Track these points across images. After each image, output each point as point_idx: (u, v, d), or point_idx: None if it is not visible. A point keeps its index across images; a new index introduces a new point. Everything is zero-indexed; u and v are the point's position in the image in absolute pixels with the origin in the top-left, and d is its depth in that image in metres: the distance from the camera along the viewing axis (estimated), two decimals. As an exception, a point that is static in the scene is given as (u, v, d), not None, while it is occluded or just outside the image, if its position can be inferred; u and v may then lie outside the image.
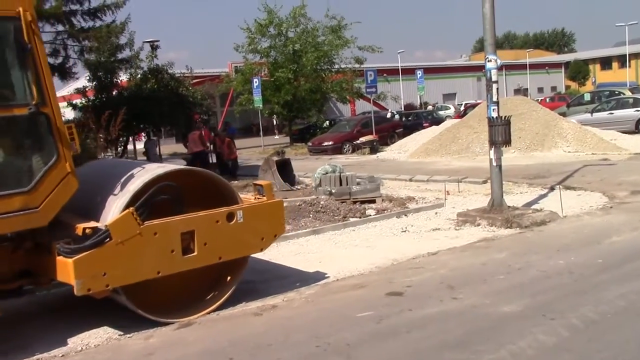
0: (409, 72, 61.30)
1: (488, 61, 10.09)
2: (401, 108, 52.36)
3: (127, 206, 5.87)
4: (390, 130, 30.05)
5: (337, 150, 27.89)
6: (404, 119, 34.48)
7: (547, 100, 47.62)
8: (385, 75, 61.16)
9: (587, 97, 30.43)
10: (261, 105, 32.82)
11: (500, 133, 9.90)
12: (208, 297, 6.69)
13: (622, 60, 66.50)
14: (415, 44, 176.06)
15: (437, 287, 6.65)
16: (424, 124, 31.39)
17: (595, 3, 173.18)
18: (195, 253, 6.23)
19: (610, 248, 7.84)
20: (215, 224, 6.34)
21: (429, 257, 8.16)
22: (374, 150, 26.74)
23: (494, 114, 10.08)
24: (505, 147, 10.17)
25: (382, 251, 8.69)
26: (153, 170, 6.35)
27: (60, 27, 26.43)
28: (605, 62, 75.07)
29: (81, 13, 25.61)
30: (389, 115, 37.08)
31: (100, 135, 15.68)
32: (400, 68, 58.79)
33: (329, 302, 6.49)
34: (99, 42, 25.45)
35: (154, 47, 27.47)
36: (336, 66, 34.75)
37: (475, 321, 5.54)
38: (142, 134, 25.88)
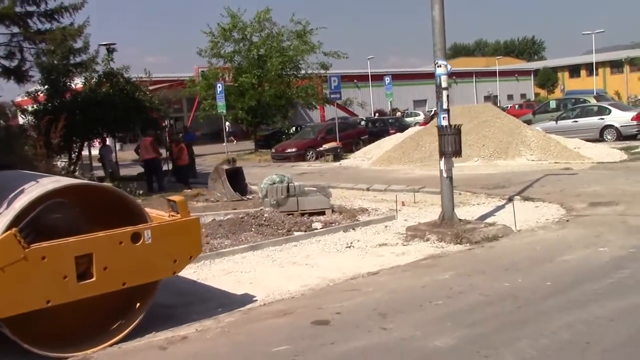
0: (379, 78, 61.09)
1: (438, 66, 9.53)
2: (371, 114, 51.96)
3: (9, 226, 5.14)
4: (355, 137, 29.50)
5: (301, 157, 27.27)
6: (370, 125, 33.90)
7: (516, 107, 47.58)
8: (355, 81, 61.05)
9: (553, 104, 30.24)
10: (224, 111, 32.04)
11: (450, 143, 9.34)
12: (113, 327, 5.97)
13: (590, 68, 66.96)
14: (389, 50, 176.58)
15: (368, 314, 6.01)
16: (390, 131, 30.87)
17: (565, 12, 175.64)
18: (93, 279, 5.51)
19: (561, 268, 7.29)
20: (118, 246, 5.62)
21: (368, 278, 7.52)
22: (337, 157, 26.17)
23: (444, 123, 9.51)
24: (456, 157, 9.59)
25: (320, 270, 8.04)
26: (45, 185, 5.62)
27: (15, 29, 25.53)
28: (574, 70, 75.68)
29: (37, 15, 24.70)
30: (362, 122, 36.59)
31: (40, 143, 14.80)
32: (370, 74, 58.38)
33: (246, 332, 5.81)
34: (54, 45, 24.59)
35: (110, 50, 26.56)
36: (302, 72, 34.11)
37: (402, 358, 4.91)
38: (97, 139, 24.89)
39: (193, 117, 42.38)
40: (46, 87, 23.16)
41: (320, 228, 10.56)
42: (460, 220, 9.80)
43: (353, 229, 10.51)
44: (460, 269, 7.56)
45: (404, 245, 9.23)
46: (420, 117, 48.31)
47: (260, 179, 20.38)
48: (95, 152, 26.53)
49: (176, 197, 6.23)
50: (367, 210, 12.36)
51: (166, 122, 45.91)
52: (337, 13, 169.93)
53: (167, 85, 42.07)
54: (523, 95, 71.68)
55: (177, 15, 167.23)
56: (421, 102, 65.85)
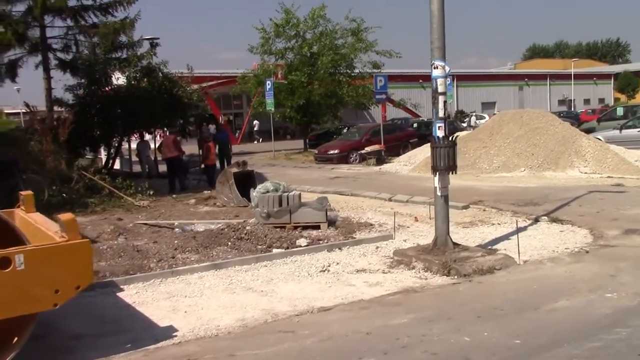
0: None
1: (434, 68, 8.25)
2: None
3: None
4: (403, 139, 28.11)
5: (343, 159, 26.16)
6: (422, 128, 32.32)
7: (588, 112, 44.73)
8: (421, 81, 59.24)
9: (620, 111, 27.83)
10: (273, 109, 31.35)
11: (442, 157, 8.05)
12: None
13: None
14: (466, 50, 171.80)
15: (278, 369, 4.91)
16: (443, 135, 29.21)
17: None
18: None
19: (546, 319, 5.93)
20: (-20, 272, 4.76)
21: (316, 315, 6.40)
22: (380, 161, 24.90)
23: (439, 133, 8.22)
24: (451, 174, 8.28)
25: (272, 300, 6.98)
26: None
27: (71, 22, 25.73)
28: (659, 75, 70.90)
29: (93, 8, 24.88)
30: (414, 124, 35.08)
31: (47, 138, 14.37)
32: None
33: (124, 384, 4.83)
34: (105, 38, 24.60)
35: (153, 44, 26.30)
36: (356, 70, 32.95)
37: None
38: (135, 135, 24.64)
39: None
40: (82, 80, 23.02)
41: (305, 245, 9.48)
42: (456, 245, 8.50)
43: (340, 248, 9.37)
44: (427, 311, 6.32)
45: (384, 273, 8.02)
46: (486, 120, 45.98)
47: (296, 182, 19.68)
48: (134, 146, 26.37)
49: (65, 216, 5.29)
50: (371, 225, 11.20)
51: (222, 119, 46.04)
52: (411, 11, 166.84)
53: (218, 83, 41.99)
54: (601, 100, 67.85)
55: (250, 9, 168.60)
56: (490, 104, 63.25)
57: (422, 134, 29.82)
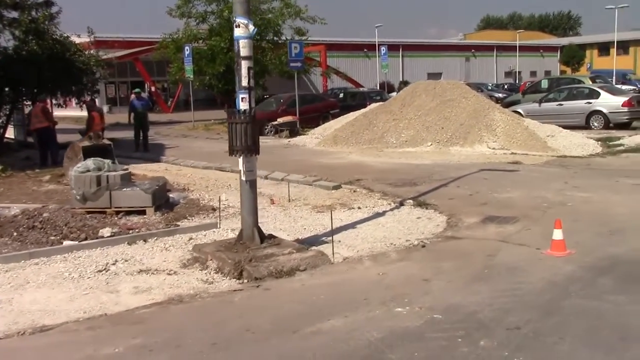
0: (393, 48, 57.83)
1: (236, 26, 6.79)
2: (376, 86, 48.68)
3: None
4: (323, 110, 26.68)
5: (257, 131, 24.58)
6: (348, 98, 30.92)
7: (528, 84, 43.86)
8: (365, 50, 57.81)
9: (545, 84, 26.83)
10: (192, 76, 29.60)
11: (239, 135, 6.63)
12: None
13: (621, 46, 62.26)
14: (431, 21, 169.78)
15: None
16: (368, 105, 27.91)
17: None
18: None
19: (294, 348, 4.64)
20: None
21: (22, 339, 5.01)
22: (293, 133, 23.50)
23: (243, 106, 6.79)
24: (252, 155, 6.87)
25: (-3, 313, 5.56)
26: None
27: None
28: (603, 48, 70.58)
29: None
30: (341, 94, 33.64)
31: None
32: (377, 44, 54.94)
33: None
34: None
35: (47, 3, 24.19)
36: (283, 38, 31.25)
37: None
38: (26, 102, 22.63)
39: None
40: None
41: (107, 236, 8.03)
42: (269, 239, 7.17)
43: (145, 240, 7.95)
44: (162, 334, 4.98)
45: (169, 274, 6.65)
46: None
47: (190, 155, 18.17)
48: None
49: None
50: (215, 209, 9.78)
51: (148, 86, 43.78)
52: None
53: (149, 49, 39.71)
54: (547, 73, 67.30)
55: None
56: (436, 75, 62.06)
57: (348, 105, 28.45)
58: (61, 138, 18.03)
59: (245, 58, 6.78)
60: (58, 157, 16.74)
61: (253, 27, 6.76)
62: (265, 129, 24.81)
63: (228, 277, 6.43)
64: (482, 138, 17.77)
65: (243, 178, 7.00)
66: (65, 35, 22.30)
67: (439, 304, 5.38)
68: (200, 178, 13.61)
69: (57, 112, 30.57)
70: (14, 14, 23.09)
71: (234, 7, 6.84)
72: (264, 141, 22.20)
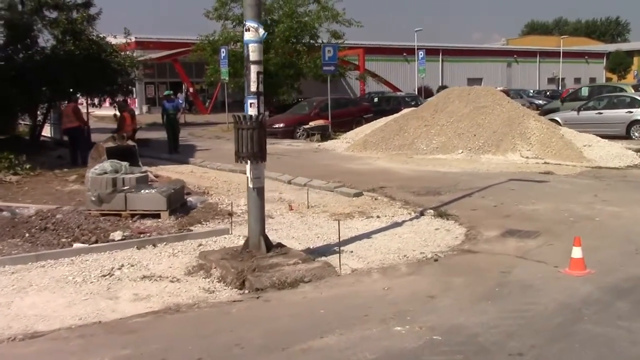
0: (433, 53, 57.27)
1: (246, 30, 6.65)
2: (414, 91, 48.23)
3: None
4: (356, 114, 26.45)
5: (289, 134, 24.60)
6: (383, 103, 30.61)
7: (570, 91, 42.79)
8: (405, 54, 57.32)
9: (585, 92, 26.04)
10: (227, 78, 29.70)
11: (245, 141, 6.48)
12: None
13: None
14: (474, 26, 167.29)
15: None
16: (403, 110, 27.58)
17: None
18: None
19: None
20: None
21: (11, 344, 4.94)
22: (325, 137, 23.34)
23: (252, 112, 6.63)
24: (258, 162, 6.70)
25: (-7, 317, 5.52)
26: None
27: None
28: (652, 55, 68.64)
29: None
30: (375, 99, 33.33)
31: None
32: (416, 47, 54.43)
33: None
34: None
35: (86, 4, 24.57)
36: (320, 41, 31.16)
37: None
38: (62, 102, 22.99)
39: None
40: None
41: (118, 240, 7.98)
42: (276, 248, 7.00)
43: (154, 245, 7.86)
44: (151, 345, 4.85)
45: (172, 281, 6.53)
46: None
47: (219, 157, 18.12)
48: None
49: None
50: (232, 214, 9.65)
51: (184, 88, 44.06)
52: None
53: (188, 50, 39.91)
54: (592, 80, 65.69)
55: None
56: (476, 80, 61.14)
57: (382, 110, 28.20)
58: (98, 138, 18.21)
59: (254, 62, 6.64)
60: (88, 157, 16.92)
61: (263, 31, 6.61)
62: (297, 132, 24.75)
63: (230, 287, 6.28)
64: (516, 146, 17.30)
65: (250, 185, 6.85)
66: (102, 35, 22.60)
67: (442, 323, 5.13)
68: (224, 181, 13.55)
69: (99, 112, 31.17)
70: (54, 14, 23.61)
71: (244, 11, 6.70)
72: (295, 145, 22.28)
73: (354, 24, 29.74)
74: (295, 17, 30.22)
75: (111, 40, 23.10)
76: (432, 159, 16.91)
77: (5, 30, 21.89)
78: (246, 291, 6.15)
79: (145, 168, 14.62)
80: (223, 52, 29.23)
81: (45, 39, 22.68)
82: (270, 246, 6.95)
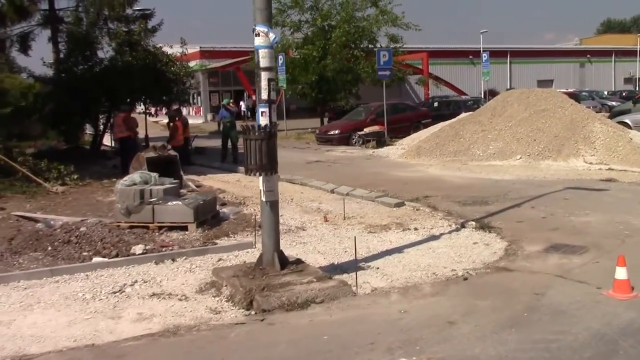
0: (500, 55, 55.69)
1: (255, 35, 6.29)
2: (480, 94, 46.94)
3: None
4: (414, 120, 25.77)
5: (344, 140, 24.22)
6: (443, 107, 29.75)
7: (646, 92, 40.53)
8: (471, 57, 55.92)
9: (660, 91, 24.45)
10: (284, 85, 29.57)
11: (254, 152, 6.11)
12: None
13: None
14: (547, 26, 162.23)
15: None
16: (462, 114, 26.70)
17: None
18: None
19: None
20: None
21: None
22: (380, 143, 22.81)
23: (263, 121, 6.27)
24: (268, 174, 6.31)
25: (-9, 337, 5.37)
26: None
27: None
28: None
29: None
30: (436, 103, 32.49)
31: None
32: (481, 50, 52.97)
33: None
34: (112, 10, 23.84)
35: (146, 16, 25.05)
36: (378, 45, 30.62)
37: None
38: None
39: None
40: (59, 54, 22.06)
41: (139, 253, 7.79)
42: (290, 264, 6.61)
43: (173, 259, 7.62)
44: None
45: (181, 299, 6.25)
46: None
47: (289, 164, 17.86)
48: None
49: None
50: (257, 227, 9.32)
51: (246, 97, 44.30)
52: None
53: (250, 58, 40.04)
54: (676, 80, 62.16)
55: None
56: (547, 82, 59.01)
57: (441, 114, 27.35)
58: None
59: (265, 69, 6.27)
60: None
61: (274, 36, 6.25)
62: (353, 139, 24.32)
63: (237, 307, 5.93)
64: (579, 151, 16.32)
65: (263, 199, 6.49)
66: (159, 46, 22.92)
67: (453, 355, 4.60)
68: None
69: (159, 119, 31.69)
70: (113, 26, 24.20)
71: (254, 15, 6.34)
72: (349, 152, 21.87)
73: (412, 27, 29.00)
74: (353, 22, 29.78)
75: (167, 50, 23.39)
76: (488, 166, 16.14)
77: (68, 42, 22.56)
78: (253, 312, 5.78)
79: (189, 177, 14.66)
80: (280, 59, 29.12)
81: (105, 50, 23.24)
82: (285, 263, 6.56)
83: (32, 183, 13.32)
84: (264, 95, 6.28)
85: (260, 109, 6.33)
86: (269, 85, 6.27)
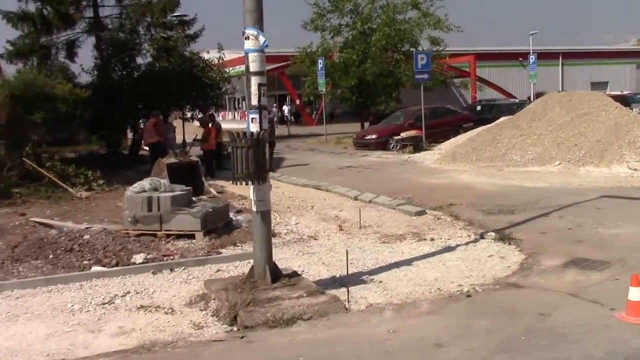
0: (552, 56, 54.19)
1: (245, 38, 6.02)
2: (529, 97, 45.69)
3: None
4: (454, 124, 25.10)
5: (382, 145, 23.75)
6: (487, 111, 28.94)
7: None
8: (520, 59, 54.52)
9: None
10: (324, 90, 29.37)
11: (241, 160, 5.82)
12: None
13: None
14: (606, 26, 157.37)
15: None
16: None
17: None
18: None
19: None
20: None
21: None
22: (418, 148, 22.27)
23: (253, 128, 6.00)
24: (257, 183, 6.01)
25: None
26: None
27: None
28: None
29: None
30: (479, 106, 31.66)
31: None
32: (531, 51, 51.54)
33: None
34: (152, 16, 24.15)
35: (184, 22, 25.19)
36: (421, 48, 30.03)
37: None
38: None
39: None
40: (99, 60, 22.40)
41: (139, 263, 7.63)
42: (283, 277, 6.30)
43: (172, 269, 7.42)
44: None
45: (167, 312, 6.03)
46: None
47: (301, 172, 17.66)
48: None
49: None
50: (276, 235, 9.07)
51: (289, 100, 44.33)
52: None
53: (286, 64, 39.95)
54: None
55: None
56: (601, 84, 57.05)
57: (484, 118, 26.62)
58: (196, 150, 18.31)
59: (255, 74, 6.00)
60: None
61: (264, 39, 5.96)
62: (390, 143, 23.85)
63: (221, 322, 5.67)
64: (623, 157, 15.48)
65: (254, 209, 6.20)
66: (195, 51, 23.03)
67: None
68: (289, 197, 13.00)
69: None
70: (151, 32, 24.44)
71: (243, 17, 6.07)
72: (384, 157, 21.42)
73: (453, 29, 28.34)
74: (394, 25, 29.30)
75: (204, 55, 23.47)
76: (524, 172, 15.48)
77: (109, 48, 22.87)
78: (235, 328, 5.51)
79: (216, 182, 14.58)
80: (320, 63, 28.94)
81: (144, 57, 23.51)
82: (278, 275, 6.27)
83: (59, 188, 13.40)
84: (254, 101, 6.01)
85: (251, 116, 6.06)
86: (259, 90, 6.00)
